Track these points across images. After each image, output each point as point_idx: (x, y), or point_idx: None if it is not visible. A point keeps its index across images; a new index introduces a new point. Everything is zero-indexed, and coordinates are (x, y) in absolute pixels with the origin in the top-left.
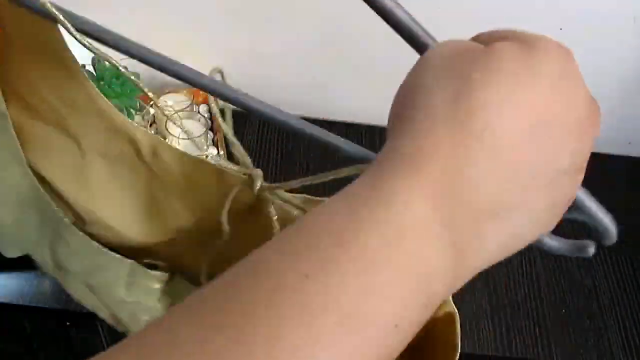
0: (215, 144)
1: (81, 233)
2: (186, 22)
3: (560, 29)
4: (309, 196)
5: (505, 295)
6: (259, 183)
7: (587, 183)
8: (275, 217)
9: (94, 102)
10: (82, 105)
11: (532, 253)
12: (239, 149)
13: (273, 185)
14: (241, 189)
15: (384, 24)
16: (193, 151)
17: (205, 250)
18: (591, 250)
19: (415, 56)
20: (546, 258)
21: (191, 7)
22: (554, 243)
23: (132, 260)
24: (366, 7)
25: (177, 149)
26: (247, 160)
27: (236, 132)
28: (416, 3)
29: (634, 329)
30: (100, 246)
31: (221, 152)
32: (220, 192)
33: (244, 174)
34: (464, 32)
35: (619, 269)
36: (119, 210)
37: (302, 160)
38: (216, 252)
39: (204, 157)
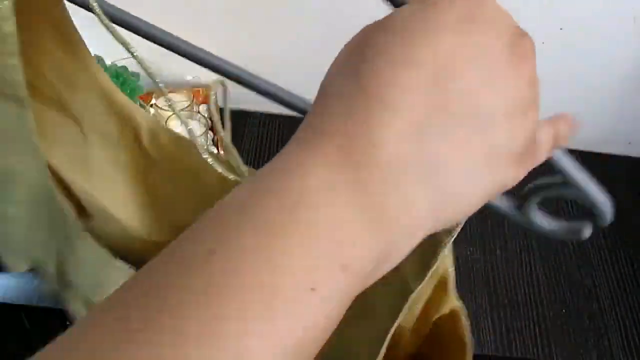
0: (215, 143)
1: (90, 238)
2: (186, 22)
3: (561, 28)
4: None
5: (505, 295)
6: None
7: None
8: None
9: (95, 79)
10: (83, 83)
11: (532, 253)
12: (235, 158)
13: None
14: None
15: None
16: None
17: None
18: (587, 231)
19: None
20: (546, 258)
21: (190, 7)
22: (547, 224)
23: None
24: (366, 7)
25: (175, 133)
26: (244, 168)
27: (236, 132)
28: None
29: (634, 329)
30: (107, 252)
31: (221, 152)
32: (222, 180)
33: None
34: None
35: (619, 269)
36: (121, 197)
37: None
38: None
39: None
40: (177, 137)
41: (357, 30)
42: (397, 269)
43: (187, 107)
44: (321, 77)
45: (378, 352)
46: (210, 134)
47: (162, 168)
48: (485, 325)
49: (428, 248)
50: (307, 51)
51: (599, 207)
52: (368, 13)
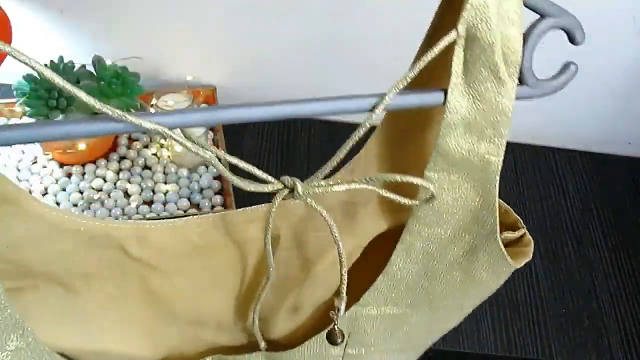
0: (215, 143)
1: None
2: (185, 22)
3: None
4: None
5: (505, 295)
6: (300, 187)
7: (587, 182)
8: (325, 212)
9: (40, 219)
10: (42, 235)
11: (532, 253)
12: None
13: (316, 184)
14: (282, 197)
15: (385, 23)
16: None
17: (249, 302)
18: (573, 67)
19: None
20: (546, 258)
21: (190, 7)
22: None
23: None
24: (367, 7)
25: (164, 223)
26: (264, 175)
27: (236, 132)
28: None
29: (634, 329)
30: None
31: (221, 151)
32: (243, 223)
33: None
34: None
35: (619, 269)
36: (127, 327)
37: (302, 161)
38: (264, 297)
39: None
40: (171, 227)
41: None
42: None
43: (187, 107)
44: (321, 77)
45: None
46: (211, 133)
47: (163, 270)
48: (485, 325)
49: None
50: (307, 52)
51: (573, 27)
52: (369, 12)
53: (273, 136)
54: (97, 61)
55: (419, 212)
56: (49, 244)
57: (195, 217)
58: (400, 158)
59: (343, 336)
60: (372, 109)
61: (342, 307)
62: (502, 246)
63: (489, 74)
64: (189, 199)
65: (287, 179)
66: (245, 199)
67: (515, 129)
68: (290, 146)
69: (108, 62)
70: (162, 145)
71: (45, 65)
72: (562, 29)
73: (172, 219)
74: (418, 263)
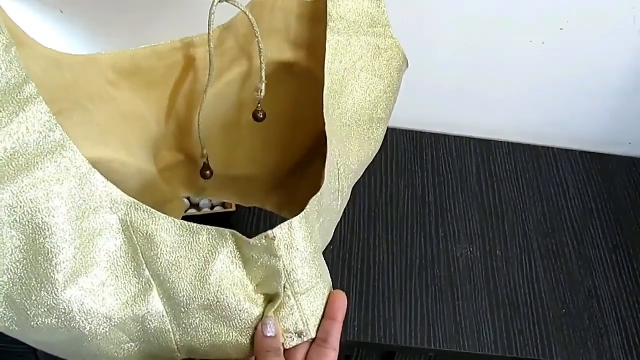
0: None
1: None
2: (185, 22)
3: (561, 28)
4: None
5: (505, 295)
6: None
7: (587, 182)
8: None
9: (51, 59)
10: (52, 71)
11: (532, 253)
12: None
13: None
14: None
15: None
16: None
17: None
18: None
19: (414, 55)
20: (546, 258)
21: (190, 6)
22: None
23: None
24: None
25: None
26: None
27: None
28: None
29: (634, 329)
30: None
31: None
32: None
33: None
34: (465, 31)
35: (619, 269)
36: (130, 140)
37: None
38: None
39: None
40: (136, 52)
41: None
42: None
43: None
44: None
45: None
46: None
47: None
48: (485, 325)
49: None
50: None
51: None
52: None
53: None
54: None
55: (329, 26)
56: (56, 76)
57: (153, 45)
58: None
59: (265, 114)
60: None
61: (263, 87)
62: (404, 52)
63: None
64: (188, 198)
65: None
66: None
67: (515, 129)
68: None
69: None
70: None
71: None
72: None
73: (137, 49)
74: (344, 84)
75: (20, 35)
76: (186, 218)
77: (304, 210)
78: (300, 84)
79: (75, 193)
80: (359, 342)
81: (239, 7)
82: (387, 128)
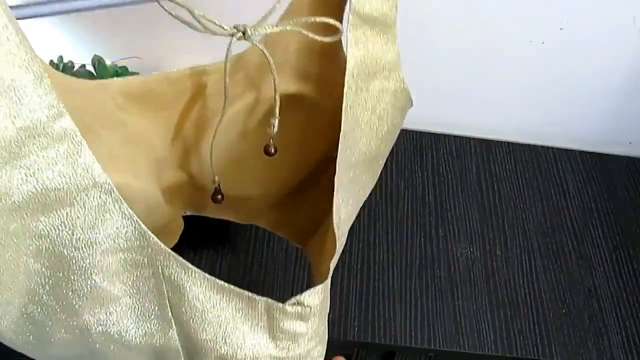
0: None
1: None
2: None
3: (561, 28)
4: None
5: (505, 295)
6: (250, 31)
7: (587, 182)
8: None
9: (63, 85)
10: (63, 97)
11: (532, 253)
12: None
13: (261, 27)
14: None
15: None
16: None
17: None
18: None
19: (415, 55)
20: (546, 258)
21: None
22: None
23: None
24: None
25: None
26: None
27: None
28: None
29: (634, 329)
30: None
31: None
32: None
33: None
34: (465, 31)
35: (619, 269)
36: (138, 165)
37: None
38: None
39: None
40: (145, 80)
41: None
42: None
43: None
44: None
45: None
46: None
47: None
48: (485, 325)
49: None
50: None
51: None
52: None
53: None
54: (97, 61)
55: (350, 69)
56: (67, 102)
57: (165, 72)
58: (322, 5)
59: (276, 149)
60: None
61: (276, 123)
62: (402, 78)
63: None
64: None
65: (239, 25)
66: None
67: (515, 129)
68: None
69: (108, 62)
70: None
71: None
72: None
73: (148, 75)
74: (359, 117)
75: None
76: (187, 218)
77: (329, 277)
78: (307, 114)
79: (105, 230)
80: (359, 342)
81: (257, 46)
82: None
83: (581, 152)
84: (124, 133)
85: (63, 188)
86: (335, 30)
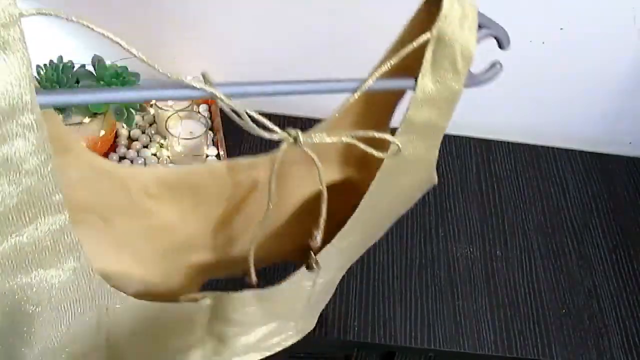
0: (215, 144)
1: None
2: (185, 22)
3: (561, 28)
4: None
5: (505, 295)
6: (301, 136)
7: (587, 182)
8: (316, 158)
9: (87, 161)
10: (81, 171)
11: (532, 253)
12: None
13: (313, 135)
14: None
15: (384, 23)
16: (193, 150)
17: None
18: (498, 65)
19: None
20: (546, 258)
21: (190, 6)
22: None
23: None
24: (367, 6)
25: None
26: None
27: (236, 132)
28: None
29: (634, 329)
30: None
31: (221, 152)
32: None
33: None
34: None
35: (619, 269)
36: (144, 255)
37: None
38: (262, 228)
39: (205, 157)
40: (185, 171)
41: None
42: None
43: (187, 107)
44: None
45: None
46: (211, 133)
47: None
48: (485, 325)
49: None
50: (308, 51)
51: (502, 35)
52: (370, 11)
53: None
54: (97, 61)
55: (386, 165)
56: (92, 185)
57: (203, 164)
58: (367, 118)
59: (318, 264)
60: (355, 91)
61: (319, 237)
62: (435, 174)
63: (449, 66)
64: None
65: (291, 130)
66: None
67: (515, 129)
68: None
69: (108, 62)
70: (161, 145)
71: (45, 65)
72: (493, 37)
73: (186, 166)
74: (379, 202)
75: (68, 141)
76: None
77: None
78: (347, 193)
79: (68, 289)
80: (359, 342)
81: (307, 152)
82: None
83: (581, 152)
84: (145, 223)
85: (41, 253)
86: (380, 148)
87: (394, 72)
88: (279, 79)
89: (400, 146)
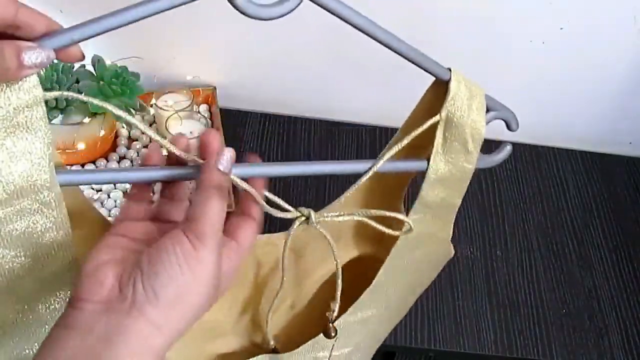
0: None
1: None
2: (185, 22)
3: (561, 28)
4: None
5: (505, 295)
6: (313, 216)
7: (587, 182)
8: (329, 236)
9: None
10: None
11: (532, 253)
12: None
13: (325, 214)
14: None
15: (384, 23)
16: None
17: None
18: (508, 147)
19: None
20: (546, 258)
21: (189, 6)
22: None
23: None
24: (367, 6)
25: None
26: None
27: (236, 132)
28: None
29: (634, 329)
30: None
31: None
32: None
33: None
34: (464, 31)
35: (619, 269)
36: None
37: (303, 159)
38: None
39: None
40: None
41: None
42: None
43: (187, 107)
44: (323, 78)
45: None
46: None
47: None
48: (485, 325)
49: None
50: (308, 51)
51: (510, 117)
52: (370, 11)
53: (273, 137)
54: (97, 61)
55: (400, 241)
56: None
57: None
58: (380, 195)
59: (336, 331)
60: (366, 172)
61: (336, 308)
62: (451, 248)
63: (460, 147)
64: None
65: (304, 210)
66: None
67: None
68: (290, 146)
69: (108, 62)
70: (161, 146)
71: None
72: (502, 119)
73: None
74: (394, 276)
75: (91, 216)
76: None
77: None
78: (365, 266)
79: None
80: None
81: (319, 230)
82: (388, 128)
83: (581, 152)
84: None
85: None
86: (390, 225)
87: (407, 152)
88: (279, 79)
89: (412, 225)
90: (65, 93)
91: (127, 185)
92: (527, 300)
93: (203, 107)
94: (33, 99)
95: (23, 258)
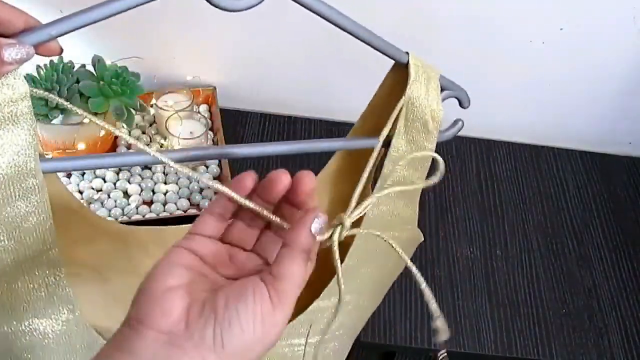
0: (215, 144)
1: None
2: (185, 22)
3: (561, 28)
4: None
5: (505, 295)
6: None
7: (587, 182)
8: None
9: (95, 226)
10: (91, 237)
11: (532, 253)
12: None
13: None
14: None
15: (384, 23)
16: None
17: None
18: (460, 123)
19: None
20: (546, 258)
21: (189, 7)
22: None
23: None
24: (367, 7)
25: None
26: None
27: (236, 132)
28: (418, 1)
29: (634, 329)
30: None
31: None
32: None
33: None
34: (464, 31)
35: (619, 269)
36: None
37: (302, 160)
38: None
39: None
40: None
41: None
42: None
43: (187, 107)
44: (323, 78)
45: None
46: (211, 133)
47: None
48: (485, 325)
49: None
50: (308, 51)
51: (462, 96)
52: (370, 11)
53: (273, 137)
54: (97, 61)
55: (365, 221)
56: (92, 243)
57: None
58: (352, 173)
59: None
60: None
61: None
62: (420, 233)
63: (421, 126)
64: (188, 199)
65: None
66: None
67: (515, 129)
68: None
69: (108, 62)
70: (162, 146)
71: (45, 65)
72: (455, 97)
73: (186, 226)
74: (363, 259)
75: (70, 202)
76: (188, 218)
77: None
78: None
79: (61, 340)
80: (359, 342)
81: (332, 247)
82: None
83: (581, 152)
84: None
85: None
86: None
87: (370, 134)
88: (279, 79)
89: (377, 200)
90: (50, 95)
91: (127, 186)
92: (527, 299)
93: (203, 107)
94: (18, 95)
95: (6, 241)
